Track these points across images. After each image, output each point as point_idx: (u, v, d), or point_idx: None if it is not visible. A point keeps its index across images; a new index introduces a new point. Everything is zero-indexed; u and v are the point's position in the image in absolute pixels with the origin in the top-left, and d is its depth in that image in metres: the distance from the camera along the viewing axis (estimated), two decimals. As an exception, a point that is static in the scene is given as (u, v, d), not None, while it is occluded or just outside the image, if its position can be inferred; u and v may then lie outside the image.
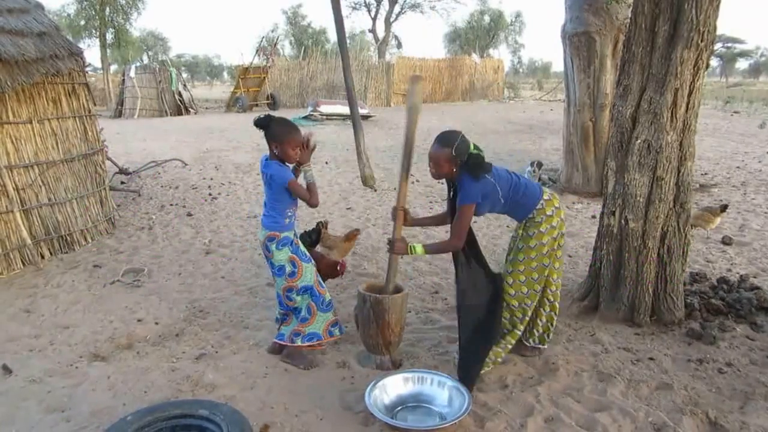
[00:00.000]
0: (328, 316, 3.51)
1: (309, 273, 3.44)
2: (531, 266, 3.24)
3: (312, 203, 3.38)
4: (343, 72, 3.57)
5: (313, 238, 4.51)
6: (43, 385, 3.26)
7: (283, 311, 3.60)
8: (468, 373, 3.14)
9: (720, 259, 5.31)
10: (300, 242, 3.52)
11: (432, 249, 3.42)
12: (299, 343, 3.45)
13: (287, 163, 3.34)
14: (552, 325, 3.50)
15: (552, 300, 3.45)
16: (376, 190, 3.69)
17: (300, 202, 3.40)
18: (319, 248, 4.54)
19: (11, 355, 3.62)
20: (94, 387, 3.23)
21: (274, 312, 3.80)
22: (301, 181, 3.39)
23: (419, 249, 3.27)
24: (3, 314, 4.27)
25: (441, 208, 7.32)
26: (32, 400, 3.10)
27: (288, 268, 3.39)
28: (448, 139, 3.14)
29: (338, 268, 4.10)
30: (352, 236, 4.81)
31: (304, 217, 6.53)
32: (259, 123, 3.30)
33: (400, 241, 3.33)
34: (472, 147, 3.14)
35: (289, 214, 3.39)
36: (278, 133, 3.26)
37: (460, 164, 3.11)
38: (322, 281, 3.56)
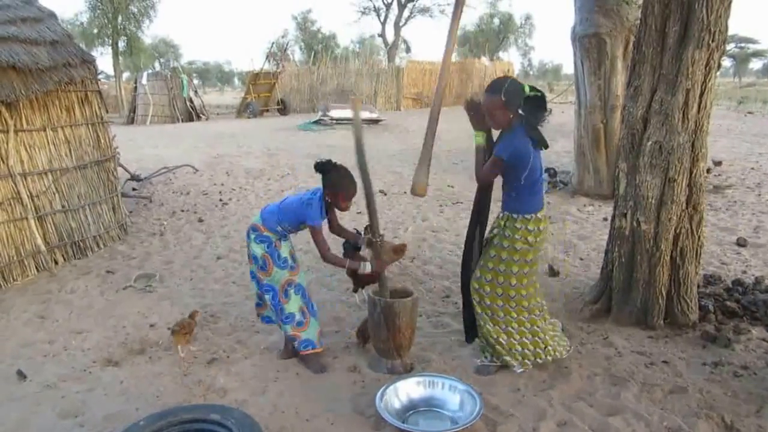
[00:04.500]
0: (288, 329, 3.45)
1: (277, 278, 3.41)
2: (499, 267, 3.21)
3: (322, 256, 3.37)
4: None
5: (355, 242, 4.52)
6: (57, 390, 3.29)
7: (259, 292, 3.57)
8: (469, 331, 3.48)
9: (734, 261, 5.24)
10: (283, 247, 3.44)
11: (479, 154, 3.25)
12: (302, 350, 3.47)
13: (337, 210, 3.40)
14: (537, 344, 3.35)
15: (526, 316, 3.33)
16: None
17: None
18: (365, 251, 4.54)
19: (26, 361, 3.65)
20: (107, 392, 3.26)
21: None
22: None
23: (479, 138, 3.26)
24: (18, 320, 4.32)
25: (451, 212, 7.31)
26: (46, 405, 3.13)
27: (260, 262, 3.41)
28: (497, 86, 3.07)
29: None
30: (399, 250, 4.81)
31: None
32: (319, 168, 3.29)
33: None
34: (527, 89, 3.04)
35: (287, 229, 3.40)
36: (335, 183, 3.27)
37: (517, 111, 3.02)
38: (289, 293, 3.42)
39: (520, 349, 3.32)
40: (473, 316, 3.45)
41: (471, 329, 3.54)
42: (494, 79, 3.17)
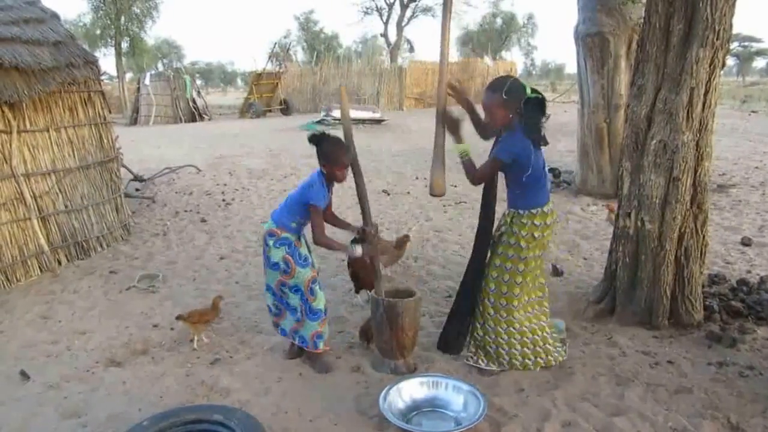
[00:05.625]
0: (314, 326, 3.42)
1: (302, 276, 3.38)
2: (506, 265, 3.20)
3: (314, 237, 3.32)
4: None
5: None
6: (60, 391, 3.29)
7: (276, 302, 3.54)
8: (446, 343, 3.51)
9: (739, 260, 5.22)
10: (302, 246, 3.45)
11: (466, 163, 3.19)
12: (297, 342, 3.48)
13: (335, 182, 3.35)
14: (536, 342, 3.31)
15: (530, 311, 3.30)
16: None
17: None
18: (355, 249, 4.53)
19: (29, 361, 3.65)
20: (110, 392, 3.25)
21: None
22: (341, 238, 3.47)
23: (462, 148, 3.18)
24: (21, 320, 4.32)
25: (455, 211, 7.29)
26: (49, 406, 3.13)
27: (282, 266, 3.38)
28: (498, 84, 3.03)
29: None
30: (402, 244, 4.78)
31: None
32: (312, 140, 3.29)
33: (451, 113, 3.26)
34: (528, 90, 2.99)
35: (300, 221, 3.38)
36: (328, 153, 3.25)
37: (517, 111, 2.98)
38: (315, 290, 3.41)
39: (519, 348, 3.29)
40: (459, 327, 3.50)
41: (452, 341, 3.57)
42: (496, 77, 3.15)
